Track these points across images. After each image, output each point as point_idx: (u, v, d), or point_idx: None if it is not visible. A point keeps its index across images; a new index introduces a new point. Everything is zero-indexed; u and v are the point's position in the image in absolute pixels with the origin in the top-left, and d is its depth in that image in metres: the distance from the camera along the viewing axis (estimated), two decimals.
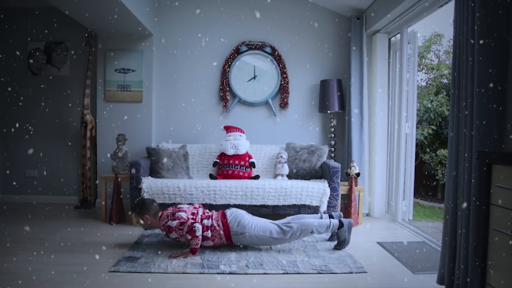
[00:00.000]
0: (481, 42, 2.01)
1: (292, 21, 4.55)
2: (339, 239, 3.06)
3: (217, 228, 2.93)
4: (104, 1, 3.27)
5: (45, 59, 4.69)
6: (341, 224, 3.02)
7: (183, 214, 2.94)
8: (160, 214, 3.05)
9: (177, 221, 2.88)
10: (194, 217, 2.98)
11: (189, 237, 2.83)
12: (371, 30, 4.19)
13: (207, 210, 3.15)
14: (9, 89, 4.67)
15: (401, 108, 3.95)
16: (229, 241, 2.97)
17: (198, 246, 2.84)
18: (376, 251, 3.09)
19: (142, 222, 3.03)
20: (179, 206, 3.10)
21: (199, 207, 3.17)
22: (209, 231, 2.92)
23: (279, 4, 4.54)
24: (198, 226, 2.82)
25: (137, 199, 3.43)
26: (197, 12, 4.53)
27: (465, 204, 2.07)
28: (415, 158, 4.46)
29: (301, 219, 3.03)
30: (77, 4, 3.39)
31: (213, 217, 3.00)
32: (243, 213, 3.04)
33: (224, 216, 3.00)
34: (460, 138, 2.18)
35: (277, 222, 3.00)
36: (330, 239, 3.29)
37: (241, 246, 3.03)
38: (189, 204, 3.42)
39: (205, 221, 2.95)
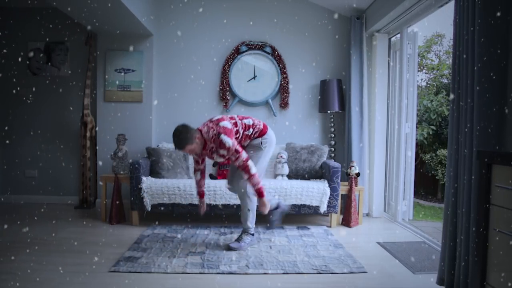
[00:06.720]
0: (481, 41, 2.01)
1: (292, 21, 4.55)
2: (270, 219, 3.16)
3: (247, 132, 2.95)
4: (104, 1, 3.27)
5: (45, 59, 4.69)
6: (277, 207, 3.16)
7: (227, 124, 2.79)
8: (199, 133, 2.78)
9: (233, 141, 2.73)
10: (237, 128, 2.90)
11: (246, 176, 2.74)
12: (371, 30, 4.19)
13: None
14: (9, 89, 4.66)
15: (401, 108, 3.95)
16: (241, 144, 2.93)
17: (260, 182, 2.76)
18: (376, 251, 3.09)
19: (193, 150, 2.79)
20: (214, 118, 2.91)
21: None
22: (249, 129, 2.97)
23: (279, 4, 4.54)
24: (252, 164, 2.74)
25: (179, 128, 2.77)
26: (197, 12, 4.52)
27: (465, 204, 2.07)
28: (415, 158, 4.46)
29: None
30: (77, 4, 3.39)
31: (254, 125, 3.00)
32: (266, 157, 3.03)
33: (265, 128, 3.03)
34: (460, 138, 2.18)
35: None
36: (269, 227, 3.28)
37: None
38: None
39: (245, 121, 2.96)
